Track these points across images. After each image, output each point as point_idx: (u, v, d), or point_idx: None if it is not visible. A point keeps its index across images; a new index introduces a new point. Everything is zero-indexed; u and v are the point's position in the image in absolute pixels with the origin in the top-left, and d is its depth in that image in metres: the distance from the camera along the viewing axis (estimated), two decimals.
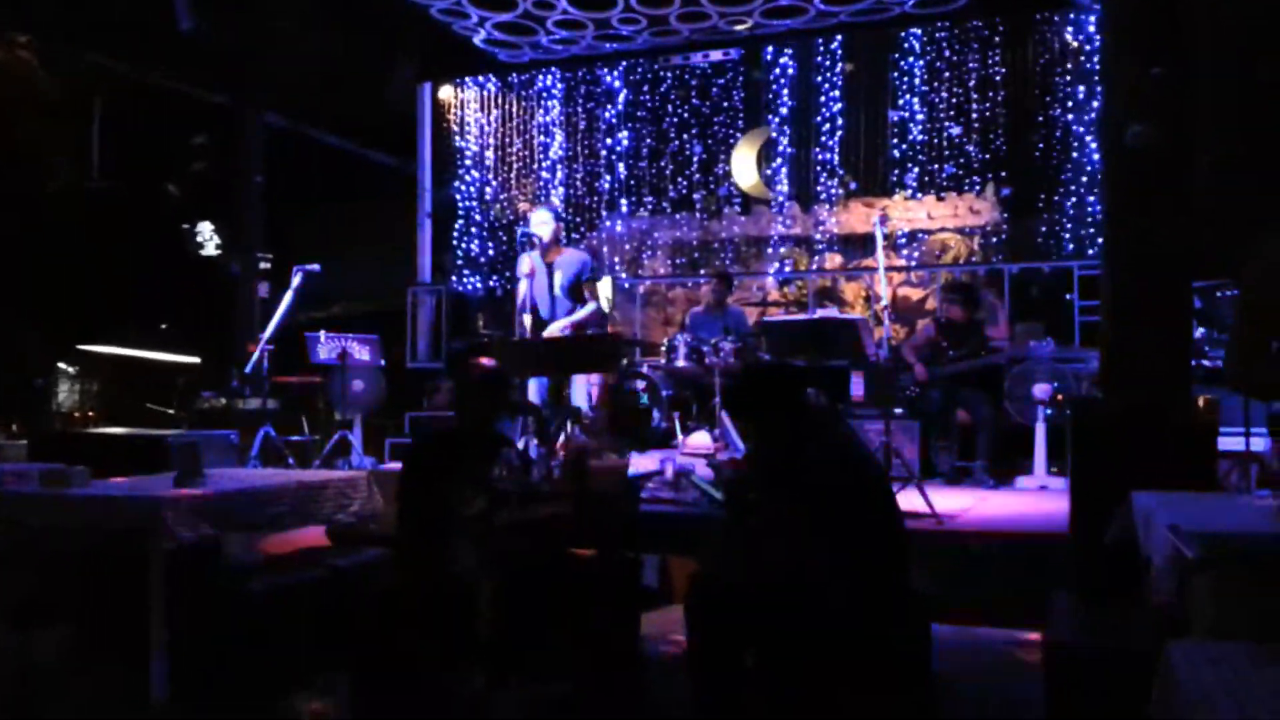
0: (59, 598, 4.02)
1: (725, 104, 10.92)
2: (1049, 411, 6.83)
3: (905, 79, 10.13)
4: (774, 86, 10.64)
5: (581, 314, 6.14)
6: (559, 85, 11.42)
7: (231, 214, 9.14)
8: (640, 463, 4.43)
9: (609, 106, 11.27)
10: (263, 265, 8.94)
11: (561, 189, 11.39)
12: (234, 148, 9.14)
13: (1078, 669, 3.05)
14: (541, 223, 6.15)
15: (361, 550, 4.46)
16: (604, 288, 7.20)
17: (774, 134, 10.69)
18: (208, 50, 8.96)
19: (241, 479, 4.22)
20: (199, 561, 3.80)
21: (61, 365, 9.63)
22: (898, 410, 6.79)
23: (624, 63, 10.80)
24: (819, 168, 10.48)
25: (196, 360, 9.66)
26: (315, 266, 6.96)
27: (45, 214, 9.56)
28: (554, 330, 6.05)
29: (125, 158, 10.21)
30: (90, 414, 9.37)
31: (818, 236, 10.51)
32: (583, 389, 6.25)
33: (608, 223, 11.32)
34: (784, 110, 10.59)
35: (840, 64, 10.43)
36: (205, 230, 10.49)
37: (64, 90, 9.72)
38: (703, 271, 10.47)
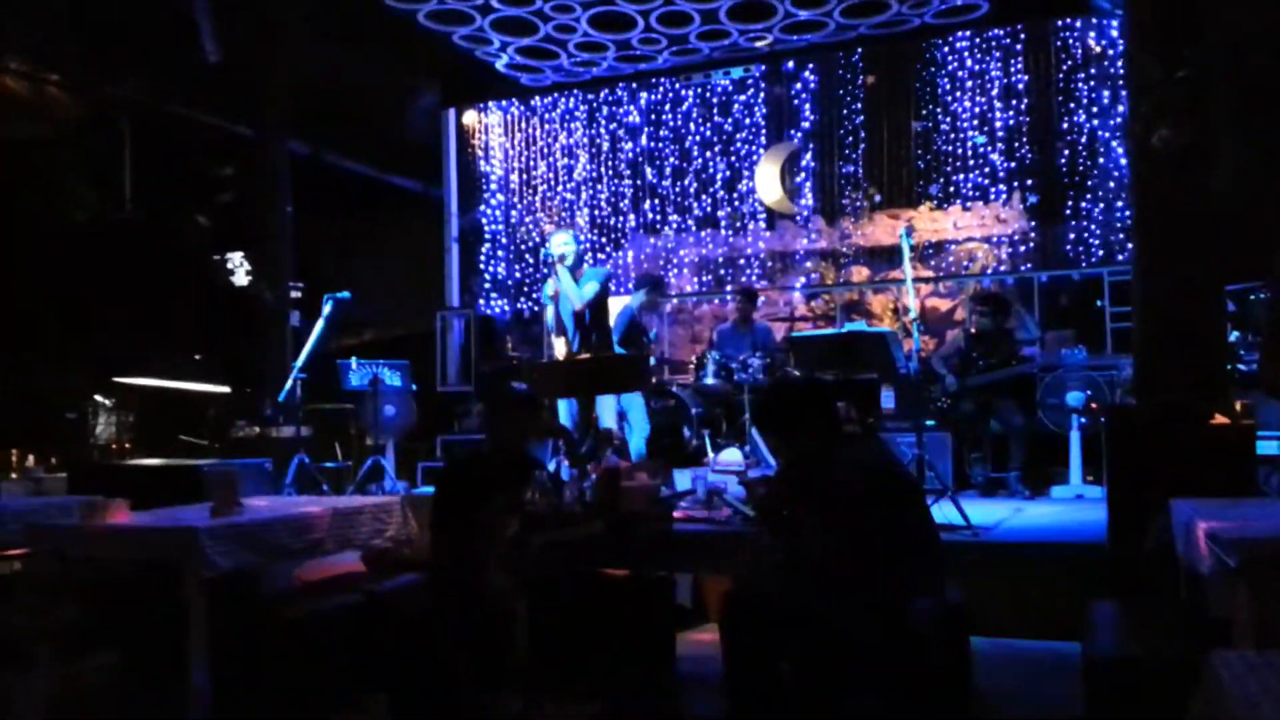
0: (102, 625, 4.07)
1: (748, 120, 10.93)
2: (1083, 420, 6.77)
3: (927, 89, 10.10)
4: (796, 101, 10.65)
5: (589, 293, 6.15)
6: (581, 107, 11.47)
7: (261, 243, 9.24)
8: (678, 481, 4.45)
9: (632, 126, 11.32)
10: (294, 294, 9.02)
11: (586, 210, 11.43)
12: (262, 177, 9.25)
13: (1118, 680, 3.01)
14: (563, 244, 6.18)
15: (397, 575, 4.48)
16: (635, 300, 7.24)
17: (797, 148, 10.69)
18: (233, 81, 9.10)
19: (277, 507, 4.26)
20: (238, 589, 3.84)
21: (98, 397, 9.76)
22: (929, 422, 6.75)
23: (645, 82, 10.85)
24: (843, 181, 10.45)
25: (226, 390, 9.77)
26: (346, 294, 7.04)
27: (78, 246, 9.72)
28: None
29: (156, 189, 10.38)
30: (126, 445, 9.48)
31: (844, 249, 10.49)
32: (611, 410, 6.26)
33: (633, 242, 11.35)
34: (806, 124, 10.59)
35: (861, 76, 10.41)
36: (236, 260, 10.62)
37: (93, 123, 9.90)
38: (728, 288, 10.48)
